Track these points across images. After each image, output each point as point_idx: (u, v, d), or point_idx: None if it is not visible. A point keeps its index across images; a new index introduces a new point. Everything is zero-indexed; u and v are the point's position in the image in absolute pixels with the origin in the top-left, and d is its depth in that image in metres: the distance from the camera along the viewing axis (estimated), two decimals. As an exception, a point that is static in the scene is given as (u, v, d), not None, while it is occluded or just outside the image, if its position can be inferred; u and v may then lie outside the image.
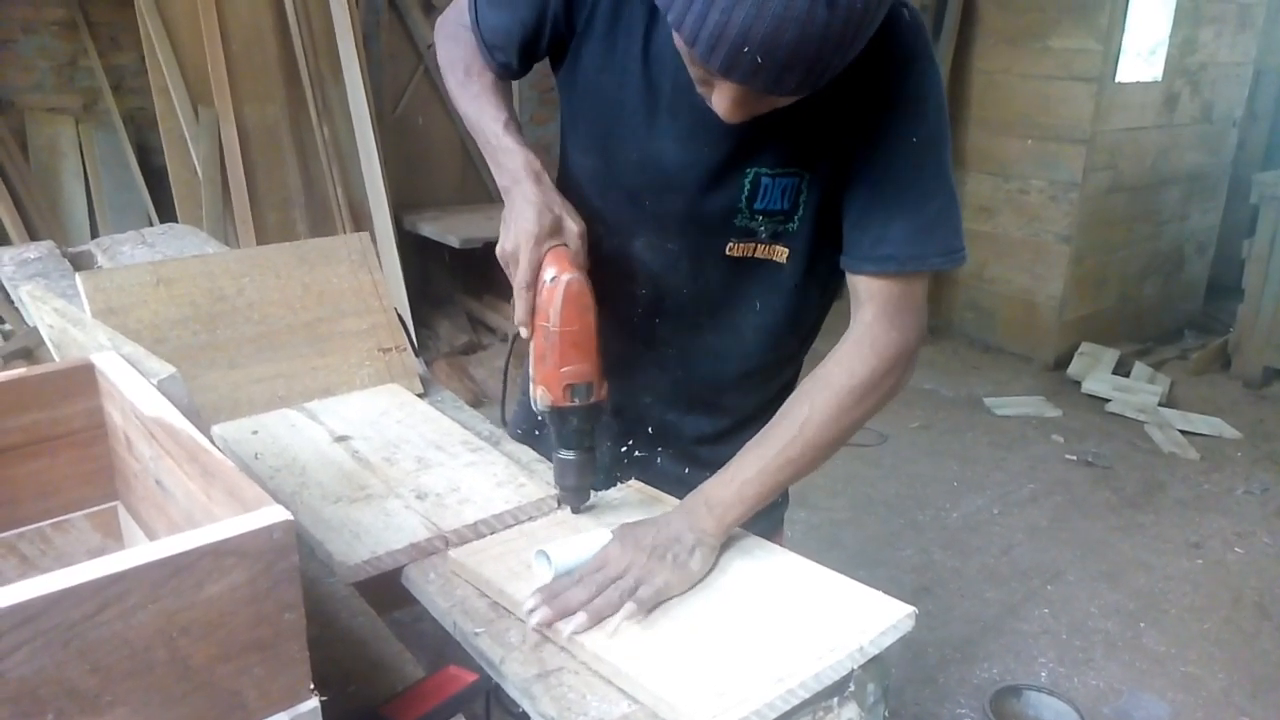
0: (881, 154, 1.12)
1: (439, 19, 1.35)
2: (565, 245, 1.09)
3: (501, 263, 1.11)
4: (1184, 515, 3.68)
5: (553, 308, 1.07)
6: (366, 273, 1.59)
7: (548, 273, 1.07)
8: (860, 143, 1.12)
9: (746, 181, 1.17)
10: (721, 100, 0.97)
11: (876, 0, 0.87)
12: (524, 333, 1.10)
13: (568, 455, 1.14)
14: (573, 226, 1.10)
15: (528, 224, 1.08)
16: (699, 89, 1.01)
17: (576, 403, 1.10)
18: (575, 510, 1.19)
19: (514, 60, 1.24)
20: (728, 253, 1.22)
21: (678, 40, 0.93)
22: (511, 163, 1.15)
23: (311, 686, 0.68)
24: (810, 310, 1.32)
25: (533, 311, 1.10)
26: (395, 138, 4.55)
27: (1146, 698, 2.68)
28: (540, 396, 1.10)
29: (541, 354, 1.09)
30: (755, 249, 1.22)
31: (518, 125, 1.20)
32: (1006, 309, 5.22)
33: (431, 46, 4.23)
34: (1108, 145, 4.85)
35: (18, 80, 3.89)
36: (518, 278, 1.09)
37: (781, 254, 1.22)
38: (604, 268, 1.31)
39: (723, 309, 1.28)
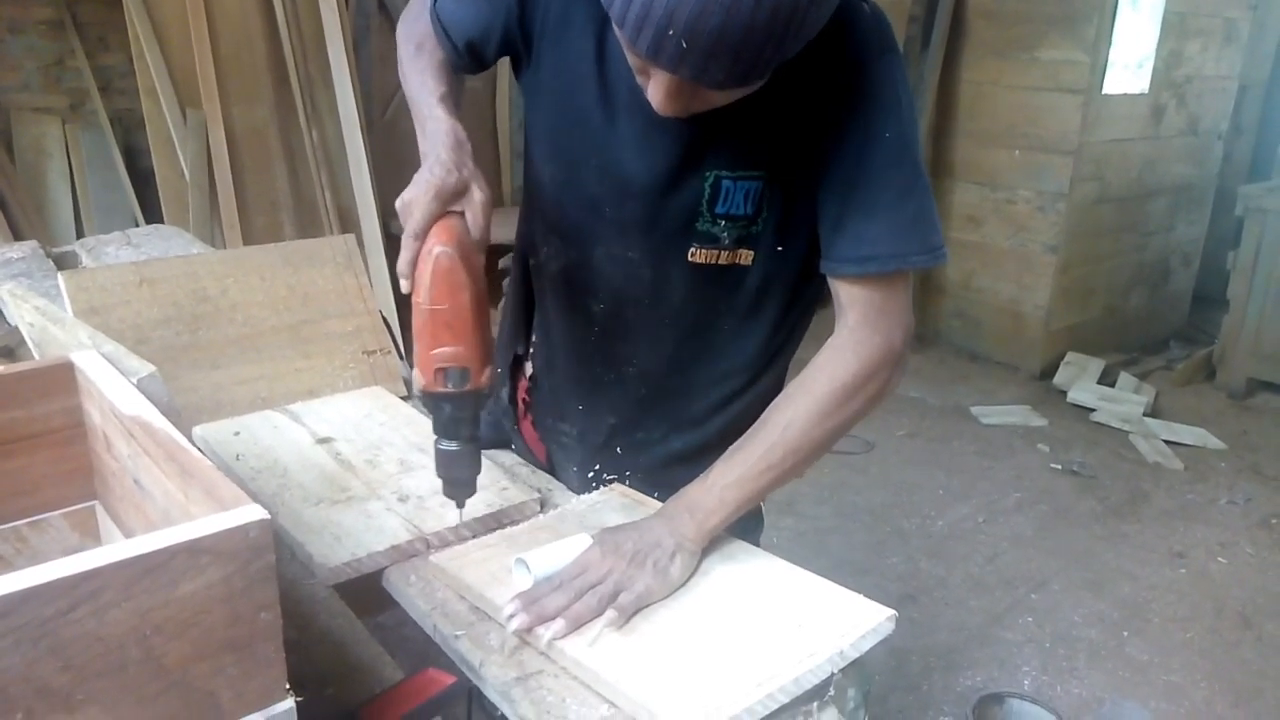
0: (854, 153, 1.10)
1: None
2: (462, 215, 1.03)
3: (399, 214, 1.03)
4: (1168, 525, 3.69)
5: (423, 283, 1.00)
6: (351, 275, 1.59)
7: (427, 243, 1.00)
8: (830, 142, 1.10)
9: (706, 185, 1.14)
10: (655, 90, 0.96)
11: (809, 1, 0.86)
12: (404, 285, 1.03)
13: (448, 446, 1.06)
14: (478, 193, 1.03)
15: (432, 177, 1.01)
16: (638, 79, 1.00)
17: (450, 388, 1.02)
18: (460, 505, 1.12)
19: (464, 51, 1.22)
20: (690, 259, 1.18)
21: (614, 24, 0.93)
22: (436, 129, 1.10)
23: (287, 687, 0.68)
24: (780, 317, 1.27)
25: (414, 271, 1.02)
26: (384, 141, 4.54)
27: (1129, 706, 2.68)
28: (415, 379, 1.04)
29: (418, 333, 1.03)
30: (719, 255, 1.18)
31: (455, 102, 1.18)
32: (993, 318, 5.24)
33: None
34: (1094, 156, 4.87)
35: (4, 80, 3.87)
36: (409, 225, 1.01)
37: (747, 257, 1.18)
38: (562, 283, 1.29)
39: (687, 319, 1.24)
